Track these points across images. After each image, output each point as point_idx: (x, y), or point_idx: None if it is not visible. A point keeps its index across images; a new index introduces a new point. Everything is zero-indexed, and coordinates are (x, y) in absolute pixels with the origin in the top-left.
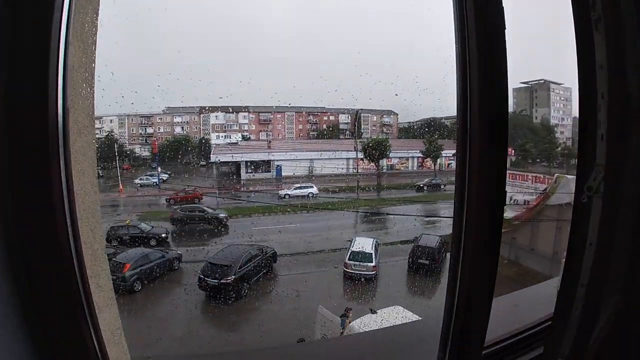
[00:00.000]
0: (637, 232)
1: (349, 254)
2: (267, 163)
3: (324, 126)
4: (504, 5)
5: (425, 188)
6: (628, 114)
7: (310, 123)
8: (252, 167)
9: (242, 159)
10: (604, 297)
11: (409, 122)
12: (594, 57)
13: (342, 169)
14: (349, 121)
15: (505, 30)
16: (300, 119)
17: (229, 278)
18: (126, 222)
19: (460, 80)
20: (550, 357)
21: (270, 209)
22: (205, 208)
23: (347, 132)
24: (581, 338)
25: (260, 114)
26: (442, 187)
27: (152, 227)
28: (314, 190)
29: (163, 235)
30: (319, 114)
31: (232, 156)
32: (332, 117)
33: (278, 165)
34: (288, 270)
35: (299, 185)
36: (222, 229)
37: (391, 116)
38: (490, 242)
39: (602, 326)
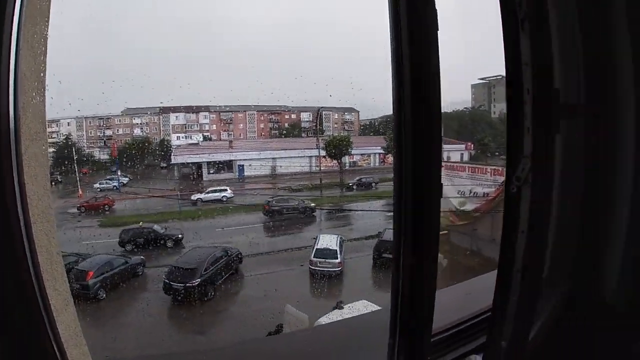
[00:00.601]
0: (565, 219)
1: (314, 251)
2: (230, 163)
3: (286, 125)
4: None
5: (354, 187)
6: (552, 108)
7: (272, 122)
8: (215, 168)
9: (204, 159)
10: (539, 283)
11: (370, 119)
12: (520, 54)
13: (305, 166)
14: (311, 119)
15: (438, 31)
16: (262, 118)
17: (194, 281)
18: (139, 224)
19: (395, 76)
20: (492, 344)
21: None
22: (297, 199)
23: (310, 130)
24: (520, 325)
25: (221, 114)
26: (373, 185)
27: (166, 228)
28: (228, 193)
29: (179, 236)
30: (280, 112)
31: (194, 157)
32: (293, 116)
33: (240, 165)
34: (254, 270)
35: (212, 188)
36: (310, 218)
37: (352, 113)
38: (429, 235)
39: (545, 312)
